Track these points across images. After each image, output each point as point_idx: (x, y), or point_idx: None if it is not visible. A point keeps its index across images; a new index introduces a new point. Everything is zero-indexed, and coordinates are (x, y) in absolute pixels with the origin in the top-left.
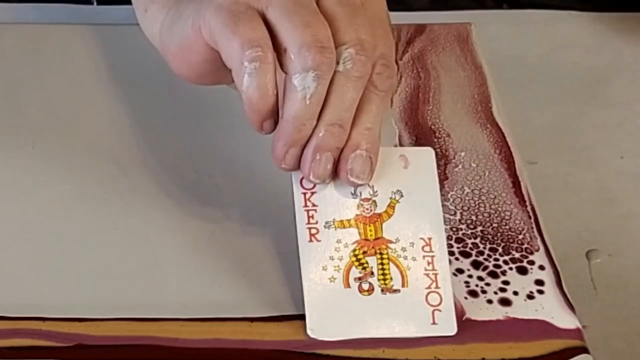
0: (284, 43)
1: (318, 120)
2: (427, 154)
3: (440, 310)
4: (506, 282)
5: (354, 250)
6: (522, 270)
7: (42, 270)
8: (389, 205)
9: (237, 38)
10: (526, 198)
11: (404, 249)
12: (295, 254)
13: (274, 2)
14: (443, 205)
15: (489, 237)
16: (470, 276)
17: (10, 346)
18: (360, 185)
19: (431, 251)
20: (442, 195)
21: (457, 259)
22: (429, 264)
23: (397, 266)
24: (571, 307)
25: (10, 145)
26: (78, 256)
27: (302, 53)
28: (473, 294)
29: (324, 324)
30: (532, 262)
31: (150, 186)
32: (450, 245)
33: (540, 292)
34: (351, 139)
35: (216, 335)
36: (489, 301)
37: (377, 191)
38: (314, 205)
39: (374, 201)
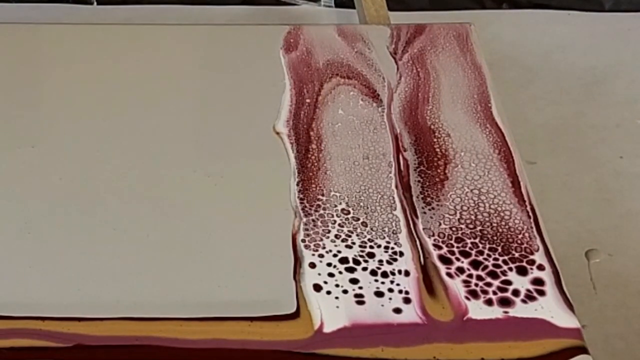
0: None
1: None
2: None
3: None
4: (506, 282)
5: None
6: (522, 270)
7: (42, 270)
8: None
9: None
10: (525, 198)
11: None
12: (294, 254)
13: None
14: (443, 205)
15: (489, 236)
16: (470, 276)
17: (10, 347)
18: None
19: None
20: (442, 194)
21: (457, 258)
22: None
23: None
24: (571, 306)
25: (10, 145)
26: (78, 256)
27: None
28: (473, 293)
29: None
30: (531, 262)
31: (150, 186)
32: (450, 245)
33: (540, 291)
34: None
35: (216, 335)
36: (489, 301)
37: None
38: None
39: None
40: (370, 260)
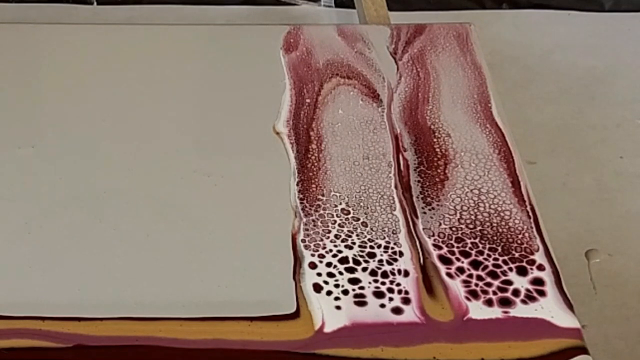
0: None
1: None
2: None
3: None
4: (506, 282)
5: None
6: (522, 270)
7: (42, 270)
8: None
9: None
10: (525, 198)
11: None
12: (294, 254)
13: None
14: (443, 205)
15: (489, 236)
16: (470, 276)
17: (10, 347)
18: None
19: None
20: (442, 194)
21: (457, 258)
22: None
23: None
24: (571, 306)
25: (10, 145)
26: (78, 256)
27: None
28: (473, 293)
29: None
30: (531, 262)
31: (150, 186)
32: (450, 245)
33: (540, 291)
34: None
35: (216, 335)
36: (489, 301)
37: None
38: None
39: None
40: (371, 261)
